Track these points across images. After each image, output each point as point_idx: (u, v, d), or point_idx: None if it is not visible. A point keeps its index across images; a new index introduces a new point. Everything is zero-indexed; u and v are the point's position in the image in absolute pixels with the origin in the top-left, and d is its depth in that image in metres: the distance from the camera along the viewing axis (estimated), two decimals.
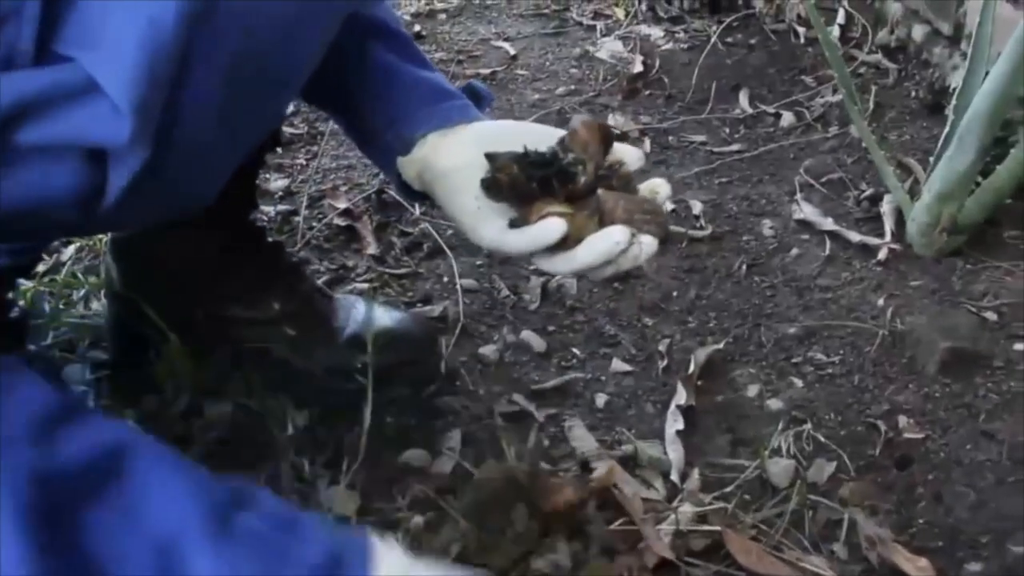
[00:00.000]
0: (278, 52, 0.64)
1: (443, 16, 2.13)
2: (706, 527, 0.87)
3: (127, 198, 0.59)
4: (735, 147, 1.56)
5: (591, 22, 2.05)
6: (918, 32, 1.70)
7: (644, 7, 2.07)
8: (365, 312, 1.03)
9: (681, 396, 1.03)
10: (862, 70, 1.75)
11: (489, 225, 0.75)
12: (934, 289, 1.20)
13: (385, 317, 1.03)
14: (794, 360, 1.11)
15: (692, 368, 1.07)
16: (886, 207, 1.35)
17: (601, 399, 1.05)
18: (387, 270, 1.27)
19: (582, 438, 0.99)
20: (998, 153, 1.25)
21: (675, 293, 1.22)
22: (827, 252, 1.28)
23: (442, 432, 0.99)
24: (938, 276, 1.23)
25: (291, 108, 1.63)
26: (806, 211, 1.36)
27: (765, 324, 1.16)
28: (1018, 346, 1.10)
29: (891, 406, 1.03)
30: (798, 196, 1.40)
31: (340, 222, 1.36)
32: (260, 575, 0.53)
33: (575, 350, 1.12)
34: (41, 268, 1.21)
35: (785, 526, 0.88)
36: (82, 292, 1.18)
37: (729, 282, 1.24)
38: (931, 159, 1.31)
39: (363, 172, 1.48)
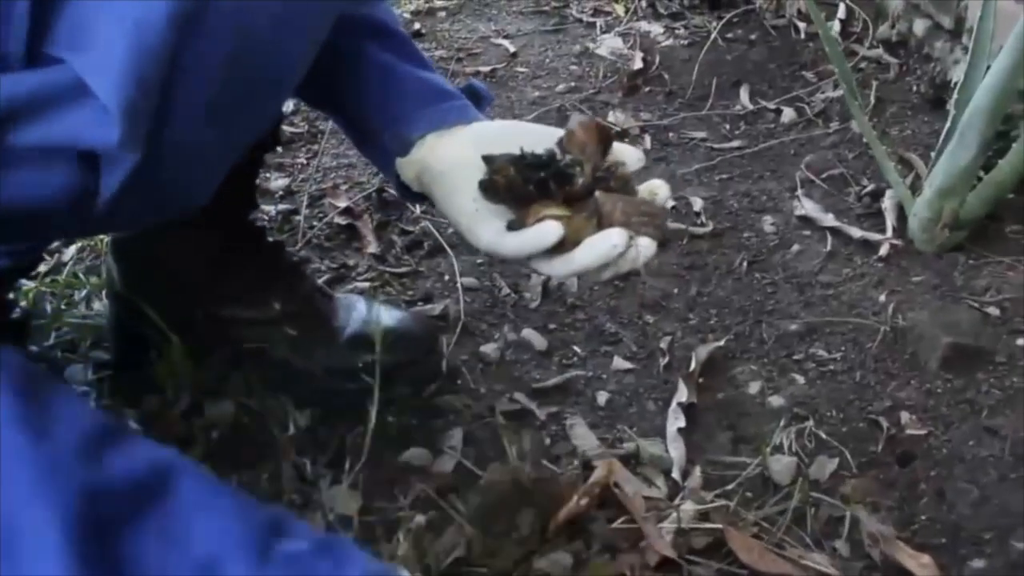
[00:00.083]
0: (271, 51, 0.64)
1: (443, 14, 2.13)
2: (708, 525, 0.87)
3: (121, 199, 0.59)
4: (736, 143, 1.56)
5: (591, 19, 2.05)
6: (919, 26, 1.70)
7: (644, 3, 2.06)
8: (366, 311, 1.03)
9: (682, 393, 1.03)
10: (863, 65, 1.75)
11: (487, 227, 0.74)
12: (936, 285, 1.20)
13: (386, 316, 1.03)
14: (795, 357, 1.11)
15: (693, 365, 1.07)
16: (887, 203, 1.34)
17: (602, 397, 1.05)
18: (388, 269, 1.27)
19: (583, 436, 0.99)
20: (1000, 147, 1.25)
21: (676, 290, 1.22)
22: (828, 248, 1.28)
23: (443, 431, 0.99)
24: (940, 272, 1.23)
25: (291, 107, 1.63)
26: (807, 207, 1.36)
27: (766, 321, 1.16)
28: (1020, 341, 1.10)
29: (893, 402, 1.03)
30: (799, 192, 1.40)
31: (341, 221, 1.36)
32: None
33: (576, 348, 1.12)
34: (43, 268, 1.21)
35: (787, 523, 0.88)
36: (84, 292, 1.18)
37: (730, 279, 1.24)
38: (932, 154, 1.30)
39: (364, 171, 1.48)
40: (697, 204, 1.38)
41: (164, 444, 0.59)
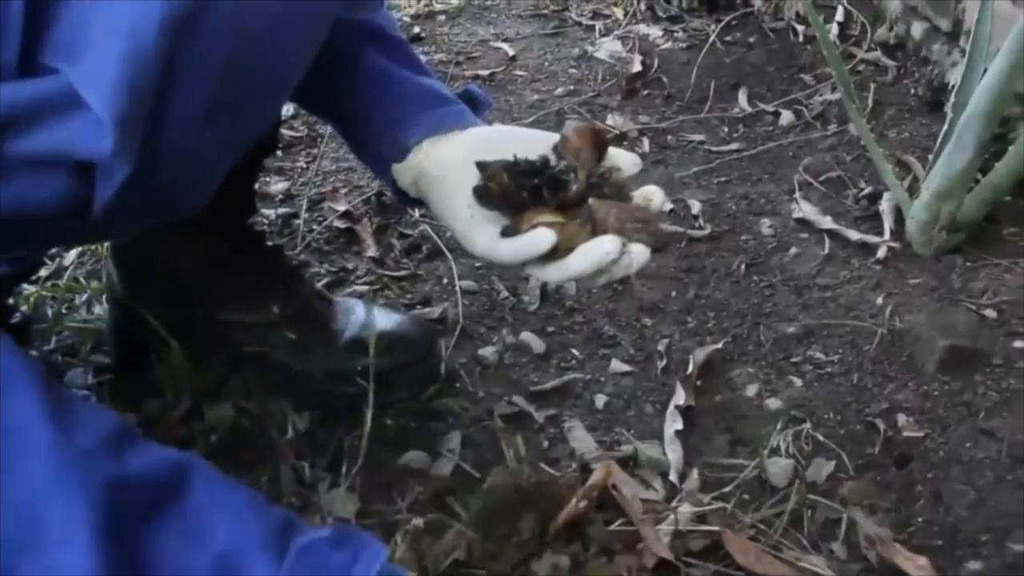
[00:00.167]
0: (269, 53, 0.64)
1: (442, 17, 2.14)
2: (705, 527, 0.87)
3: (117, 205, 0.59)
4: (734, 146, 1.56)
5: (590, 22, 2.06)
6: (917, 29, 1.70)
7: (643, 7, 2.07)
8: (365, 315, 1.04)
9: (680, 396, 1.03)
10: (861, 68, 1.75)
11: (481, 233, 0.75)
12: (933, 287, 1.20)
13: (384, 319, 1.03)
14: (793, 359, 1.11)
15: (691, 368, 1.07)
16: (885, 205, 1.35)
17: (600, 400, 1.05)
18: (387, 272, 1.27)
19: (581, 439, 0.99)
20: (997, 150, 1.25)
21: (674, 293, 1.22)
22: (826, 251, 1.29)
23: (442, 434, 0.99)
24: (937, 274, 1.23)
25: (291, 111, 1.64)
26: (805, 210, 1.36)
27: (764, 323, 1.16)
28: (1017, 343, 1.10)
29: (890, 405, 1.03)
30: (797, 195, 1.40)
31: (340, 224, 1.36)
32: None
33: (574, 351, 1.13)
34: (44, 273, 1.21)
35: (784, 526, 0.88)
36: (84, 297, 1.18)
37: (728, 282, 1.24)
38: (930, 157, 1.30)
39: (363, 174, 1.48)
40: (695, 207, 1.39)
41: (172, 448, 0.60)
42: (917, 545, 0.87)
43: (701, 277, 1.25)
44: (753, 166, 1.50)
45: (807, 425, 1.00)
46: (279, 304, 1.01)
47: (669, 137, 1.60)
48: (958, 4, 1.56)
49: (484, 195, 0.75)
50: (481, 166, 0.75)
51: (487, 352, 1.12)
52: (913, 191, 1.31)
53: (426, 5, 2.17)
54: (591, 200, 0.73)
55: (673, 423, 1.00)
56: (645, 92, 1.76)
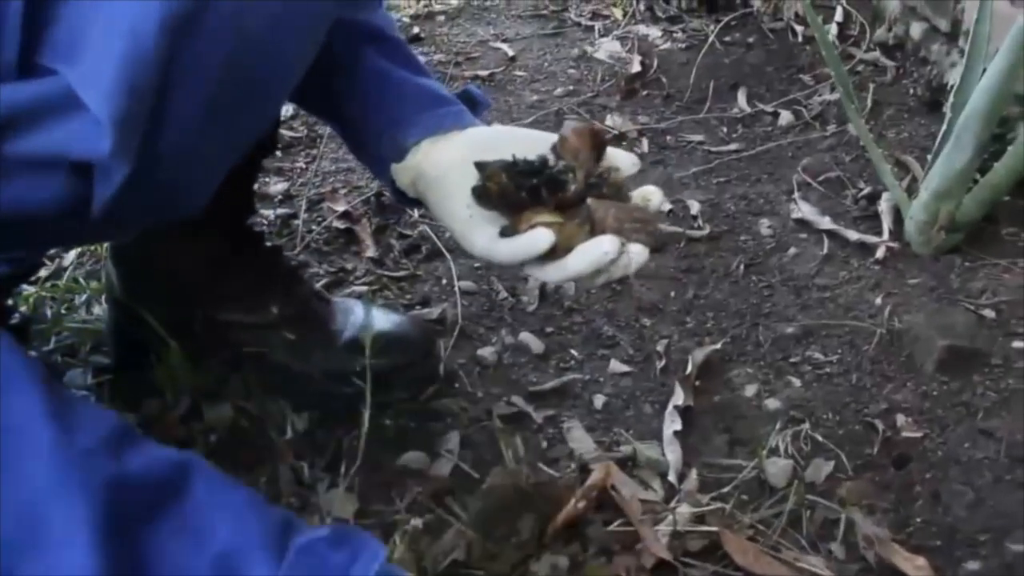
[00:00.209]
0: (269, 53, 0.64)
1: (441, 18, 2.14)
2: (704, 527, 0.87)
3: (117, 206, 0.59)
4: (733, 146, 1.56)
5: (589, 22, 2.06)
6: (916, 29, 1.70)
7: (642, 7, 2.07)
8: (363, 315, 1.04)
9: (679, 396, 1.03)
10: (860, 68, 1.75)
11: (480, 233, 0.75)
12: (932, 287, 1.21)
13: (383, 320, 1.03)
14: (792, 360, 1.11)
15: (690, 368, 1.08)
16: (884, 205, 1.35)
17: (599, 400, 1.05)
18: (386, 273, 1.27)
19: (580, 439, 0.99)
20: (996, 150, 1.25)
21: (673, 293, 1.22)
22: (825, 251, 1.29)
23: (440, 434, 0.99)
24: (936, 274, 1.23)
25: (291, 111, 1.64)
26: (804, 210, 1.36)
27: (763, 324, 1.16)
28: (1016, 343, 1.10)
29: (889, 405, 1.04)
30: (796, 195, 1.40)
31: (339, 225, 1.37)
32: None
33: (573, 351, 1.13)
34: (43, 273, 1.21)
35: (783, 526, 0.88)
36: (84, 297, 1.19)
37: (727, 282, 1.24)
38: (929, 157, 1.31)
39: (362, 175, 1.48)
40: (694, 207, 1.39)
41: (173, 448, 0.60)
42: (915, 545, 0.87)
43: (700, 277, 1.25)
44: (752, 166, 1.50)
45: (806, 425, 1.00)
46: (278, 305, 1.02)
47: (668, 137, 1.60)
48: (957, 4, 1.56)
49: (483, 195, 0.75)
50: (480, 166, 0.75)
51: (486, 352, 1.12)
52: (912, 191, 1.31)
53: (425, 6, 2.17)
54: (590, 200, 0.73)
55: (672, 423, 1.00)
56: (644, 92, 1.76)
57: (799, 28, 1.91)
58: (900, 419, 1.01)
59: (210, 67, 0.59)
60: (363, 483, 0.92)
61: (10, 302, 1.02)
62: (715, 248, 1.31)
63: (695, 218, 1.37)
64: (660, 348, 1.12)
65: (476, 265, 1.26)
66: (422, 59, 0.92)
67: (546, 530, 0.84)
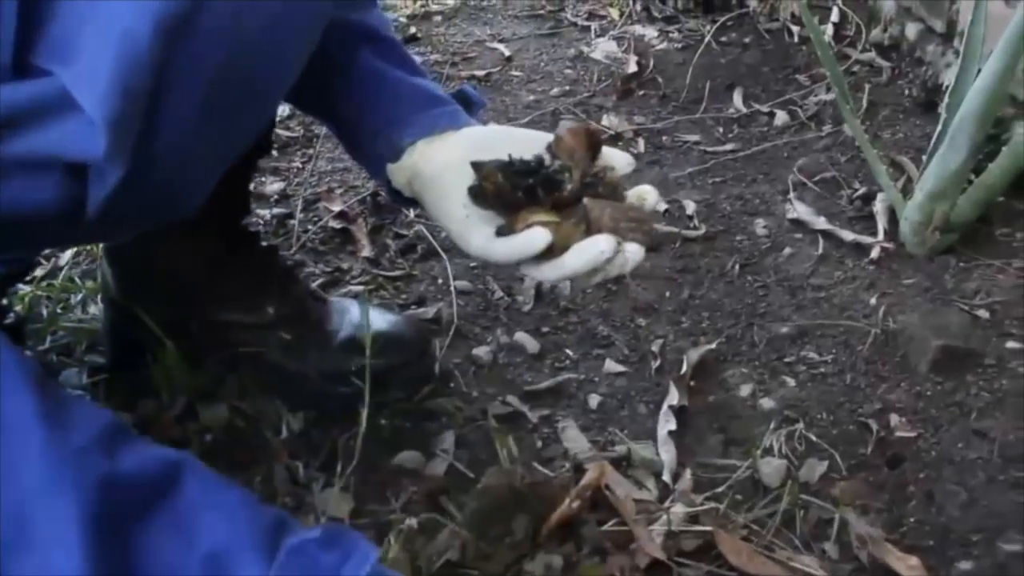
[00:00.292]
0: (264, 55, 0.64)
1: (438, 18, 2.14)
2: (698, 527, 0.87)
3: (112, 207, 0.59)
4: (729, 146, 1.57)
5: (586, 23, 2.06)
6: (911, 30, 1.71)
7: (638, 7, 2.07)
8: (359, 315, 1.04)
9: (673, 396, 1.04)
10: (856, 68, 1.76)
11: (477, 233, 0.75)
12: (926, 287, 1.21)
13: (379, 320, 1.04)
14: (787, 359, 1.11)
15: (685, 368, 1.08)
16: (879, 206, 1.35)
17: (594, 400, 1.05)
18: (381, 272, 1.27)
19: (575, 439, 0.99)
20: (990, 151, 1.25)
21: (668, 293, 1.23)
22: (820, 251, 1.29)
23: (436, 434, 1.00)
24: (930, 274, 1.23)
25: (287, 111, 1.64)
26: (799, 210, 1.36)
27: (758, 324, 1.17)
28: (1010, 344, 1.10)
29: (883, 405, 1.04)
30: (791, 195, 1.40)
31: (335, 225, 1.37)
32: None
33: (568, 351, 1.13)
34: (39, 273, 1.22)
35: (776, 526, 0.88)
36: (79, 296, 1.19)
37: (722, 282, 1.25)
38: (924, 157, 1.31)
39: (358, 174, 1.48)
40: (690, 207, 1.39)
41: (167, 447, 0.61)
42: (909, 545, 0.87)
43: (695, 277, 1.26)
44: (748, 166, 1.50)
45: (800, 425, 1.00)
46: (274, 305, 1.02)
47: (664, 137, 1.61)
48: (952, 5, 1.57)
49: (479, 195, 0.75)
50: (476, 166, 0.75)
51: (481, 352, 1.12)
52: (907, 192, 1.32)
53: (422, 6, 2.17)
54: (586, 200, 0.73)
55: (666, 423, 1.00)
56: (640, 92, 1.76)
57: (795, 28, 1.91)
58: (894, 419, 1.01)
59: (206, 67, 0.59)
60: (358, 483, 0.92)
61: (5, 301, 1.02)
62: (710, 248, 1.31)
63: (691, 218, 1.37)
64: (655, 348, 1.12)
65: (472, 265, 1.27)
66: (418, 59, 0.93)
67: (540, 530, 0.85)
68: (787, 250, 1.30)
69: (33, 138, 0.56)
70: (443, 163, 0.79)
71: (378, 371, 0.95)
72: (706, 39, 1.90)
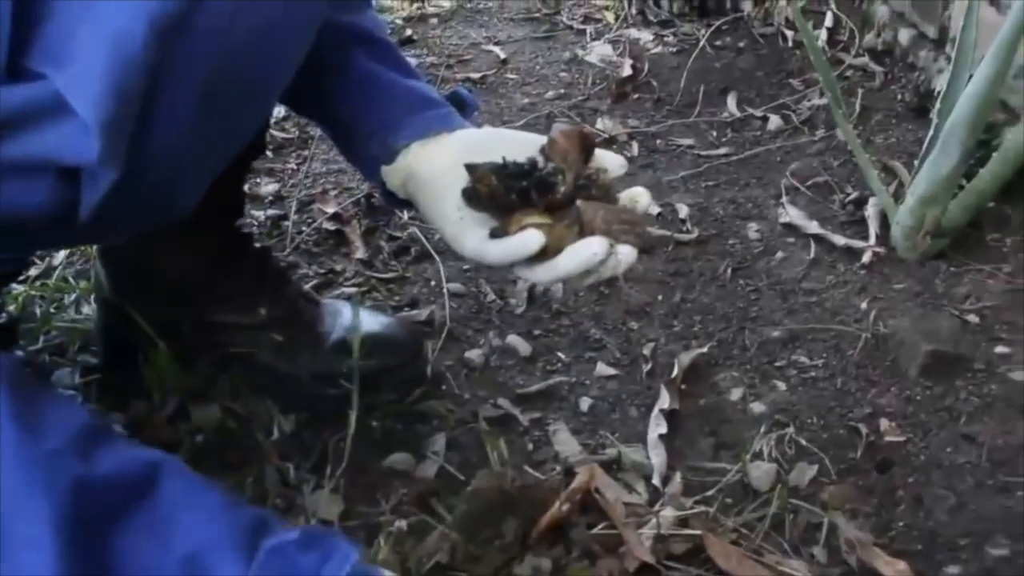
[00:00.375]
0: (260, 58, 0.64)
1: (435, 20, 2.14)
2: (687, 531, 0.88)
3: (105, 210, 0.59)
4: (722, 150, 1.57)
5: (581, 26, 2.06)
6: (904, 36, 1.71)
7: (634, 11, 2.08)
8: (351, 317, 1.04)
9: (665, 400, 1.04)
10: (849, 73, 1.76)
11: (470, 234, 0.75)
12: (917, 292, 1.21)
13: (371, 321, 1.04)
14: (777, 363, 1.12)
15: (676, 372, 1.08)
16: (871, 210, 1.36)
17: (585, 403, 1.06)
18: (375, 274, 1.28)
19: (566, 442, 1.00)
20: (981, 156, 1.26)
21: (660, 297, 1.23)
22: (812, 255, 1.29)
23: (427, 436, 1.00)
24: (921, 279, 1.24)
25: (282, 113, 1.64)
26: (792, 214, 1.37)
27: (749, 327, 1.17)
28: (999, 349, 1.11)
29: (873, 409, 1.04)
30: (784, 199, 1.41)
31: (329, 226, 1.37)
32: None
33: (560, 354, 1.13)
34: (33, 272, 1.22)
35: (766, 530, 0.89)
36: (73, 296, 1.19)
37: (714, 285, 1.25)
38: (916, 162, 1.31)
39: (353, 176, 1.49)
40: (683, 211, 1.40)
41: (151, 447, 0.60)
42: (897, 549, 0.88)
43: (687, 281, 1.26)
44: (741, 170, 1.51)
45: (790, 429, 1.01)
46: (267, 306, 1.02)
47: (658, 141, 1.61)
48: (944, 11, 1.57)
49: (473, 197, 0.76)
50: (470, 168, 0.76)
51: (473, 355, 1.12)
52: (899, 196, 1.32)
53: (418, 8, 2.17)
54: (579, 202, 0.73)
55: (657, 427, 1.01)
56: (635, 96, 1.77)
57: (789, 33, 1.92)
58: (884, 423, 1.02)
59: (201, 68, 0.59)
60: (349, 484, 0.93)
61: None
62: (703, 252, 1.31)
63: (683, 222, 1.38)
64: (647, 351, 1.13)
65: (465, 267, 1.27)
66: (414, 61, 0.93)
67: (530, 533, 0.85)
68: (779, 254, 1.30)
69: (28, 142, 0.56)
70: (437, 165, 0.80)
71: (370, 373, 0.96)
72: (701, 43, 1.90)
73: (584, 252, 0.71)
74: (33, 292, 1.18)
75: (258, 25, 0.62)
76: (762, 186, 1.46)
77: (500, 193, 0.74)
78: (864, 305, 1.19)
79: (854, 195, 1.40)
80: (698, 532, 0.87)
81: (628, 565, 0.84)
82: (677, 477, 0.95)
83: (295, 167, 1.55)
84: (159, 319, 1.00)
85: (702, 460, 0.98)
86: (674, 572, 0.85)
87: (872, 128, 1.60)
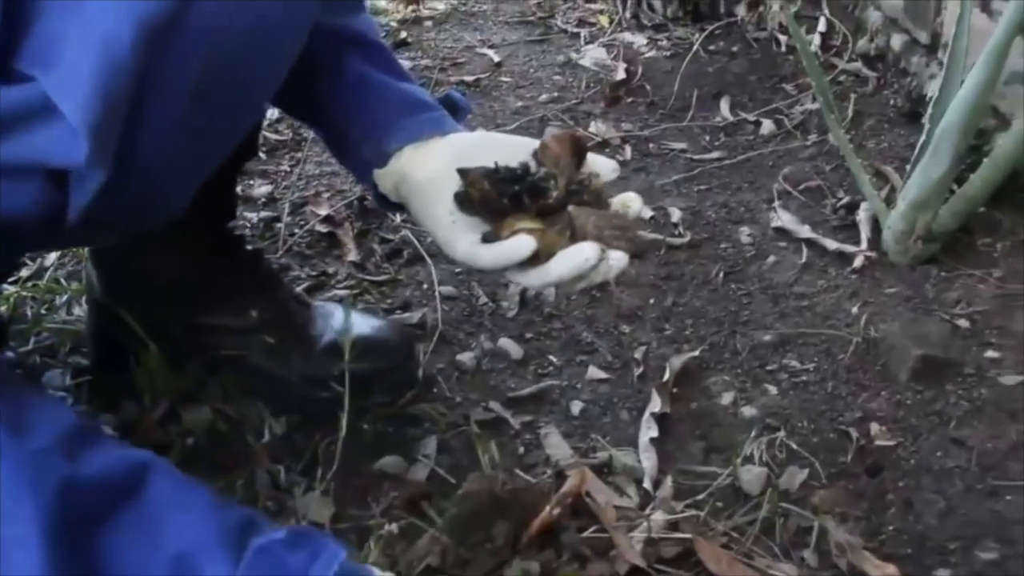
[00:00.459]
0: (249, 61, 0.64)
1: (429, 23, 2.14)
2: (677, 535, 0.88)
3: (95, 212, 0.59)
4: (715, 154, 1.57)
5: (575, 30, 2.07)
6: (896, 41, 1.72)
7: (628, 15, 2.08)
8: (343, 319, 1.04)
9: (656, 403, 1.04)
10: (842, 78, 1.76)
11: (462, 239, 0.75)
12: (908, 296, 1.22)
13: (363, 324, 1.04)
14: (769, 367, 1.12)
15: (667, 375, 1.08)
16: (862, 215, 1.36)
17: (576, 406, 1.06)
18: (367, 277, 1.28)
19: (557, 445, 1.00)
20: (972, 161, 1.27)
21: (652, 300, 1.23)
22: (803, 260, 1.30)
23: (418, 439, 1.00)
24: (912, 284, 1.24)
25: (276, 114, 1.64)
26: (784, 219, 1.37)
27: (741, 331, 1.17)
28: (989, 354, 1.11)
29: (863, 413, 1.05)
30: (776, 204, 1.41)
31: (322, 229, 1.37)
32: None
33: (552, 357, 1.13)
34: (24, 273, 1.21)
35: (756, 533, 0.89)
36: (64, 298, 1.18)
37: (706, 289, 1.25)
38: (907, 167, 1.32)
39: (345, 179, 1.48)
40: (675, 215, 1.40)
41: (140, 449, 0.60)
42: (887, 553, 0.88)
43: (679, 284, 1.26)
44: (733, 175, 1.51)
45: (781, 433, 1.01)
46: (258, 308, 1.02)
47: (651, 145, 1.61)
48: (937, 17, 1.58)
49: (465, 201, 0.76)
50: (462, 172, 0.76)
51: (465, 358, 1.12)
52: (890, 201, 1.33)
53: (413, 11, 2.17)
54: (571, 207, 0.74)
55: (648, 430, 1.01)
56: (628, 100, 1.77)
57: (783, 38, 1.92)
58: (874, 428, 1.02)
59: (192, 69, 0.59)
60: (339, 487, 0.93)
61: None
62: (695, 256, 1.32)
63: (676, 225, 1.38)
64: (638, 355, 1.13)
65: (457, 270, 1.27)
66: (408, 64, 0.93)
67: (521, 536, 0.85)
68: (771, 258, 1.31)
69: (16, 144, 0.55)
70: (430, 169, 0.80)
71: (361, 376, 0.96)
72: (694, 47, 1.91)
73: (576, 257, 0.72)
74: (24, 293, 1.18)
75: (250, 25, 0.62)
76: (754, 190, 1.47)
77: (492, 198, 0.75)
78: (855, 309, 1.20)
79: (846, 200, 1.41)
80: (689, 536, 0.87)
81: (619, 569, 0.84)
82: (668, 481, 0.95)
83: (288, 169, 1.54)
84: (150, 321, 1.00)
85: (693, 464, 0.98)
86: None
87: (864, 133, 1.60)
